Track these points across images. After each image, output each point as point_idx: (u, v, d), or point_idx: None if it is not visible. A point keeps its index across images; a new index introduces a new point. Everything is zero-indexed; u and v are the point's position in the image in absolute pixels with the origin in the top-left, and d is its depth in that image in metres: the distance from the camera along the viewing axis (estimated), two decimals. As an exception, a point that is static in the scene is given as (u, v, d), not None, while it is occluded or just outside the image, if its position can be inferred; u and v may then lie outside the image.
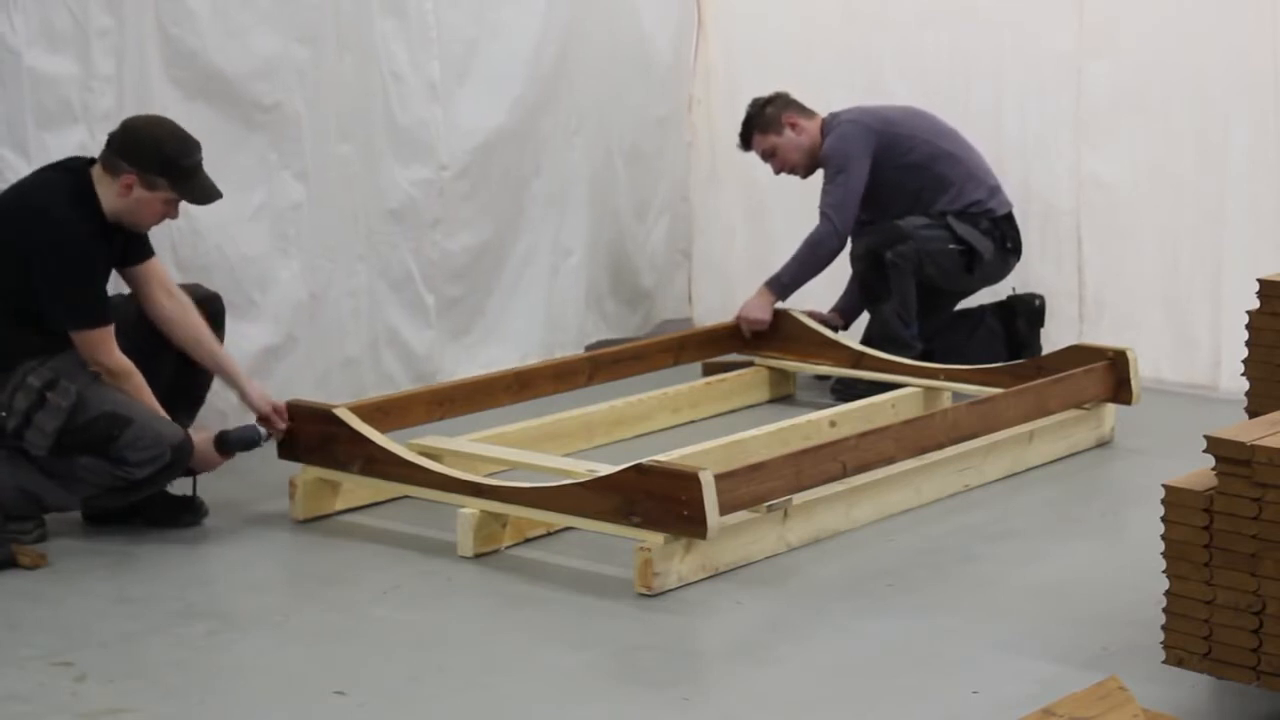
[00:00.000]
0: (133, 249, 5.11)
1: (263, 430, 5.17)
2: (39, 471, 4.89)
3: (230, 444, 5.11)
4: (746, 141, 6.92)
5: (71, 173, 4.98)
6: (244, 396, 5.24)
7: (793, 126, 6.85)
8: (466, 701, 4.01)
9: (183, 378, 5.19)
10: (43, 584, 4.70)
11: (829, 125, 6.83)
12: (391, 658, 4.23)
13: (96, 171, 4.94)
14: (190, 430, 5.06)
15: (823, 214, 6.72)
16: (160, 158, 4.90)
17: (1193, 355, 6.74)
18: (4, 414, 4.87)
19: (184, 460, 4.94)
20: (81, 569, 4.82)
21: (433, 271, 6.62)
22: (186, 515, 5.16)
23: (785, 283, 6.79)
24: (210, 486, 5.18)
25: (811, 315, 6.84)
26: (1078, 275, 7.01)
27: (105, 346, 4.91)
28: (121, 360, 4.93)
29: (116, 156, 4.91)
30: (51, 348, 4.90)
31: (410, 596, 4.66)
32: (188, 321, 5.14)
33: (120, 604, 4.60)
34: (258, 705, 3.97)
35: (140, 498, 5.00)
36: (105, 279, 4.99)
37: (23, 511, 4.90)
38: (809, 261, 6.75)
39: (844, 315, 6.94)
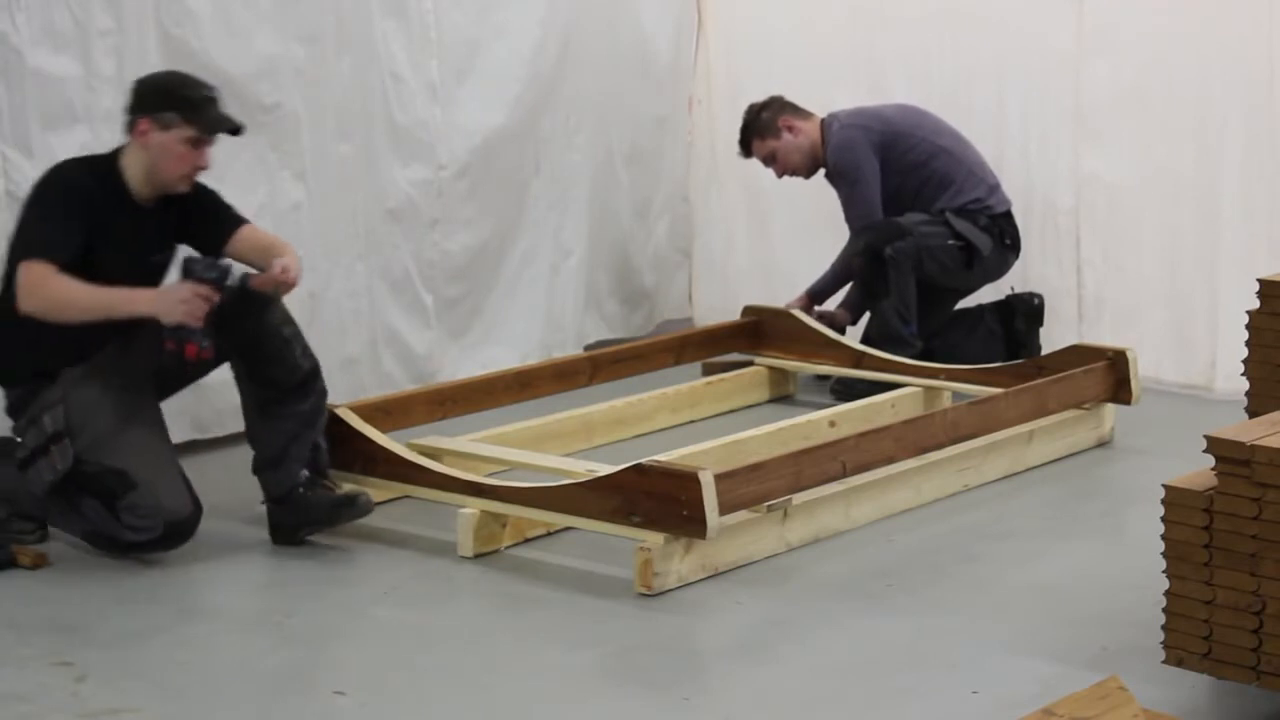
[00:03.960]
0: (212, 228, 4.99)
1: (242, 272, 4.84)
2: (51, 496, 4.83)
3: (197, 265, 4.76)
4: (746, 149, 6.94)
5: (101, 154, 4.95)
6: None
7: (790, 129, 6.85)
8: (466, 701, 4.02)
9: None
10: (43, 584, 4.70)
11: (827, 126, 6.84)
12: (391, 658, 4.23)
13: (125, 145, 4.89)
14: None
15: (854, 229, 6.75)
16: (165, 92, 4.86)
17: (1189, 355, 6.73)
18: (19, 440, 4.83)
19: (179, 537, 4.79)
20: (81, 569, 4.82)
21: (432, 272, 6.62)
22: (347, 511, 4.96)
23: (820, 290, 6.95)
24: (211, 486, 5.17)
25: (819, 314, 6.84)
26: (1077, 274, 7.01)
27: (40, 277, 4.65)
28: (56, 293, 4.66)
29: (130, 112, 4.87)
30: (88, 352, 4.82)
31: (410, 596, 4.66)
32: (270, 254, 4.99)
33: (120, 604, 4.60)
34: (258, 705, 3.97)
35: (130, 557, 4.86)
36: (84, 232, 4.74)
37: (31, 512, 4.88)
38: (845, 274, 6.89)
39: (851, 310, 6.94)
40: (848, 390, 6.58)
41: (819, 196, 7.01)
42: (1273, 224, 6.53)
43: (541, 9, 6.92)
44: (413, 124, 6.49)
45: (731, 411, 6.52)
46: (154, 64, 5.65)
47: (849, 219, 6.79)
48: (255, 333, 4.89)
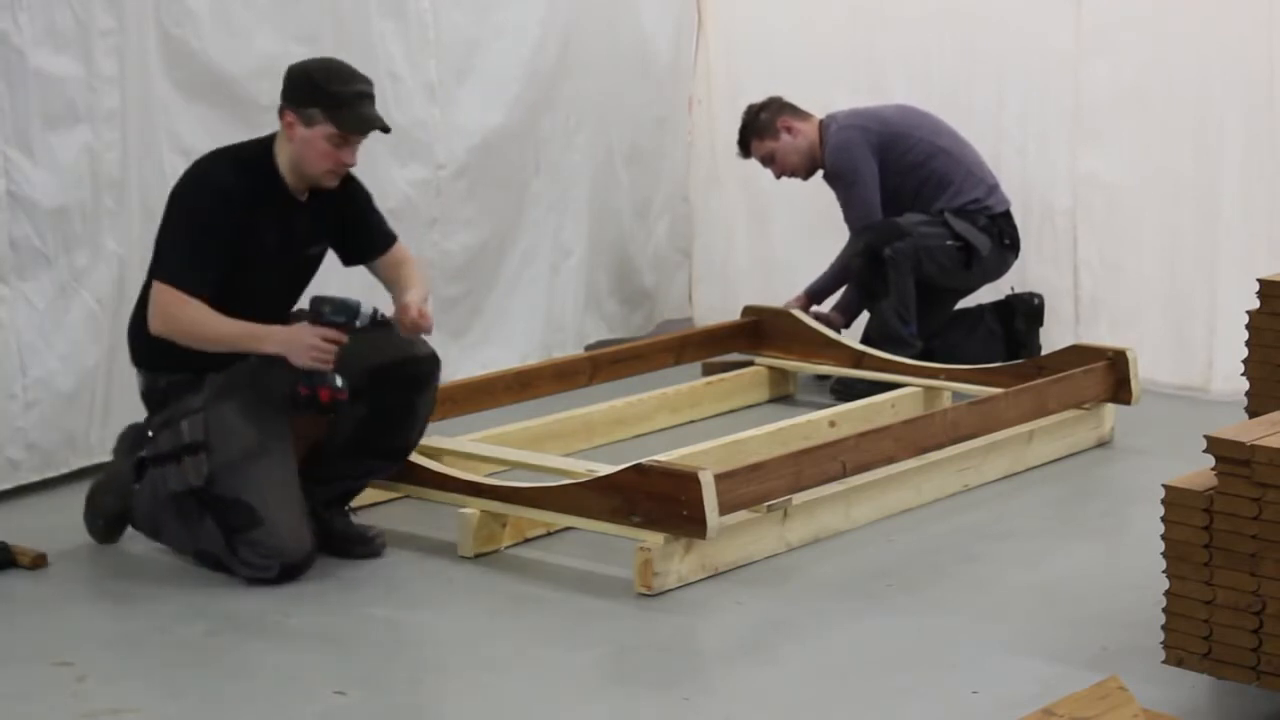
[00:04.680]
0: (363, 241, 4.93)
1: (371, 308, 4.69)
2: (173, 503, 4.76)
3: (327, 303, 4.63)
4: (745, 149, 6.94)
5: (257, 140, 4.83)
6: (397, 299, 4.86)
7: (789, 130, 6.85)
8: (466, 701, 4.02)
9: None
10: (43, 584, 4.70)
11: (825, 127, 6.84)
12: (391, 658, 4.23)
13: (277, 135, 4.77)
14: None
15: (854, 230, 6.74)
16: (309, 86, 4.68)
17: (1186, 356, 6.73)
18: (150, 434, 4.77)
19: (294, 574, 4.65)
20: (81, 569, 4.82)
21: (431, 271, 6.60)
22: (359, 548, 4.88)
23: (818, 290, 6.93)
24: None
25: (814, 315, 6.84)
26: (1074, 275, 7.01)
27: (172, 303, 4.60)
28: (186, 324, 4.60)
29: (281, 101, 4.73)
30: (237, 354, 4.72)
31: (410, 596, 4.66)
32: (401, 282, 4.89)
33: (120, 604, 4.60)
34: (258, 705, 3.97)
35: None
36: (224, 255, 4.65)
37: (138, 522, 4.86)
38: (844, 274, 6.87)
39: (845, 313, 6.94)
40: (848, 390, 6.58)
41: (819, 197, 7.01)
42: (1272, 225, 6.53)
43: (541, 9, 6.92)
44: (411, 124, 6.48)
45: (731, 411, 6.51)
46: (154, 64, 5.66)
47: (848, 220, 6.79)
48: (405, 408, 4.83)
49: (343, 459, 4.89)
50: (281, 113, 4.75)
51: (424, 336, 4.86)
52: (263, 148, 4.80)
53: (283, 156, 4.76)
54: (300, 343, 4.62)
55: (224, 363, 4.72)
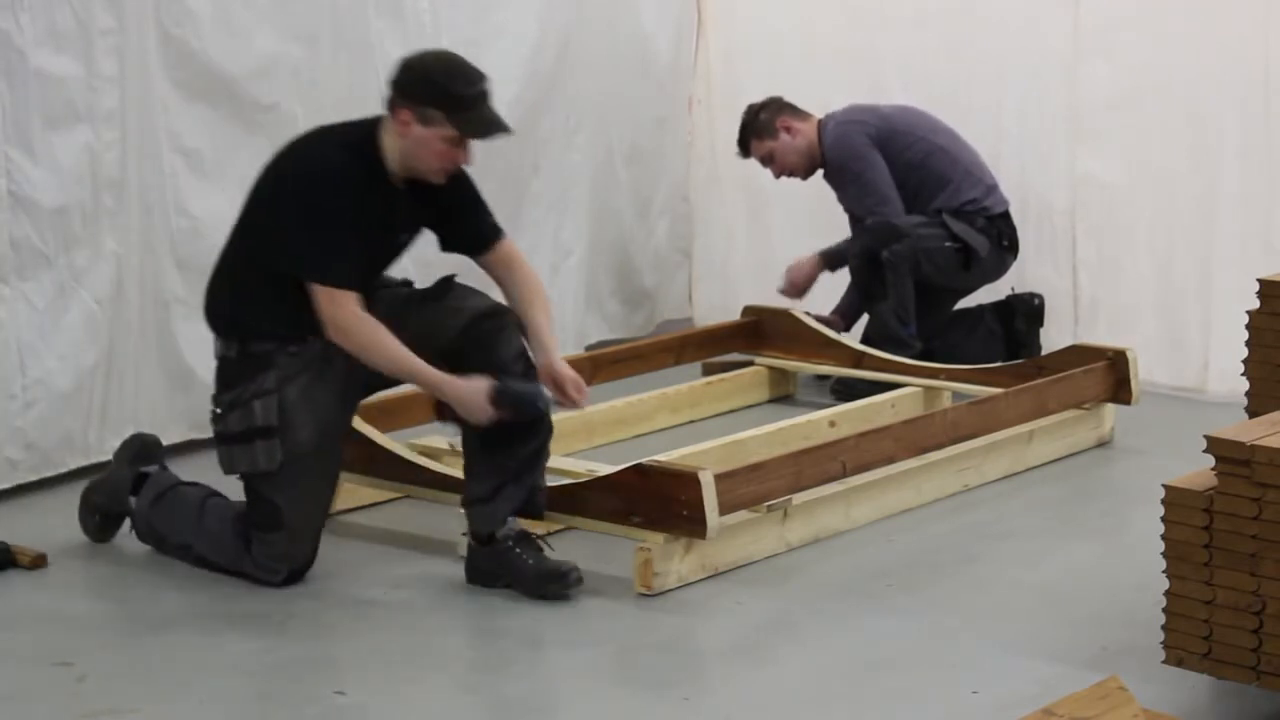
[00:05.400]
0: (468, 236, 4.83)
1: (549, 394, 4.63)
2: (168, 507, 4.78)
3: (507, 397, 4.52)
4: (745, 149, 6.94)
5: (359, 123, 4.69)
6: (543, 363, 4.69)
7: (788, 130, 6.85)
8: (466, 701, 4.02)
9: None
10: (42, 584, 4.70)
11: (824, 126, 6.84)
12: (391, 658, 4.23)
13: (384, 120, 4.61)
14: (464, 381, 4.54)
15: (872, 214, 6.71)
16: (432, 87, 4.52)
17: (1184, 357, 6.72)
18: (218, 411, 4.65)
19: (293, 582, 4.64)
20: (81, 569, 4.82)
21: (429, 271, 6.58)
22: (554, 585, 4.58)
23: (834, 254, 6.83)
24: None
25: (814, 317, 6.84)
26: (1073, 275, 7.01)
27: (351, 317, 4.49)
28: (367, 340, 4.51)
29: (393, 94, 4.56)
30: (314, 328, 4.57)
31: (410, 597, 4.66)
32: (518, 304, 4.76)
33: (120, 604, 4.60)
34: (257, 705, 3.97)
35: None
36: (361, 235, 4.57)
37: (141, 534, 4.87)
38: None
39: (845, 317, 6.93)
40: (848, 390, 6.58)
41: (819, 196, 7.01)
42: (1269, 225, 6.52)
43: (541, 9, 6.92)
44: (410, 124, 6.47)
45: (731, 411, 6.51)
46: (154, 64, 5.66)
47: (865, 207, 6.70)
48: (492, 370, 4.61)
49: (484, 459, 4.66)
50: (394, 108, 4.58)
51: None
52: (366, 131, 4.66)
53: (390, 148, 4.61)
54: (477, 409, 4.51)
55: (301, 334, 4.60)
